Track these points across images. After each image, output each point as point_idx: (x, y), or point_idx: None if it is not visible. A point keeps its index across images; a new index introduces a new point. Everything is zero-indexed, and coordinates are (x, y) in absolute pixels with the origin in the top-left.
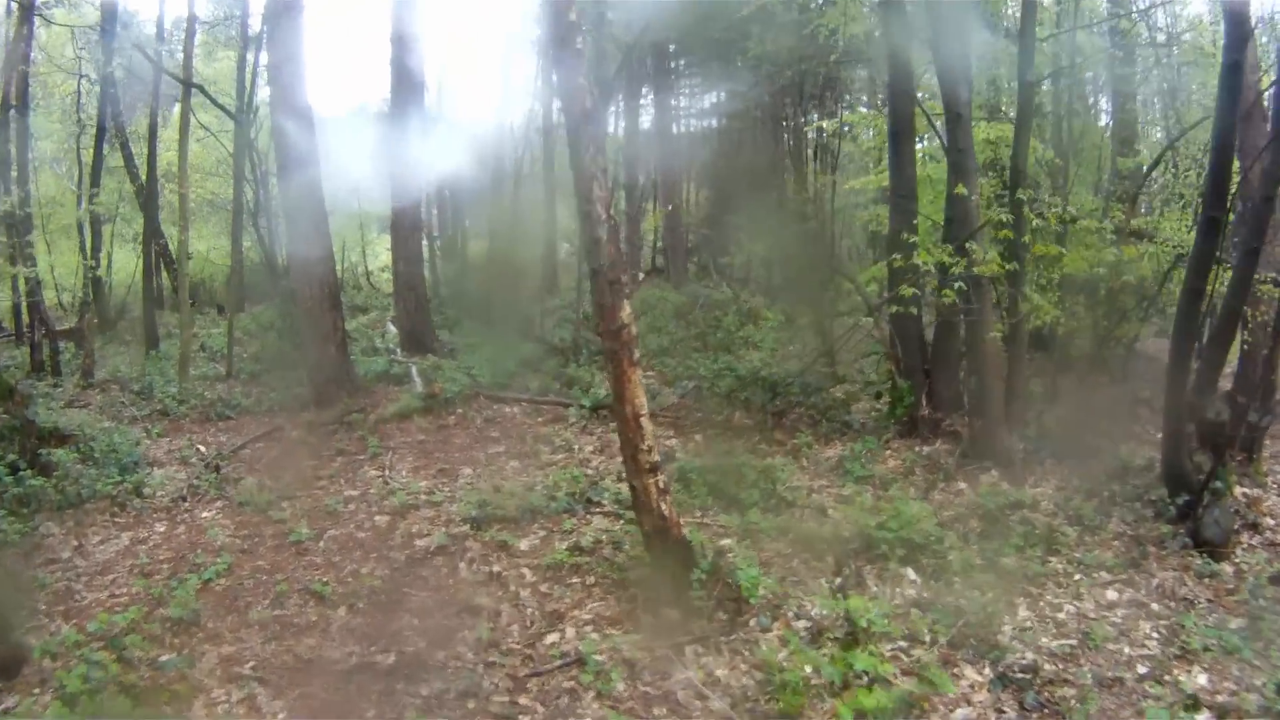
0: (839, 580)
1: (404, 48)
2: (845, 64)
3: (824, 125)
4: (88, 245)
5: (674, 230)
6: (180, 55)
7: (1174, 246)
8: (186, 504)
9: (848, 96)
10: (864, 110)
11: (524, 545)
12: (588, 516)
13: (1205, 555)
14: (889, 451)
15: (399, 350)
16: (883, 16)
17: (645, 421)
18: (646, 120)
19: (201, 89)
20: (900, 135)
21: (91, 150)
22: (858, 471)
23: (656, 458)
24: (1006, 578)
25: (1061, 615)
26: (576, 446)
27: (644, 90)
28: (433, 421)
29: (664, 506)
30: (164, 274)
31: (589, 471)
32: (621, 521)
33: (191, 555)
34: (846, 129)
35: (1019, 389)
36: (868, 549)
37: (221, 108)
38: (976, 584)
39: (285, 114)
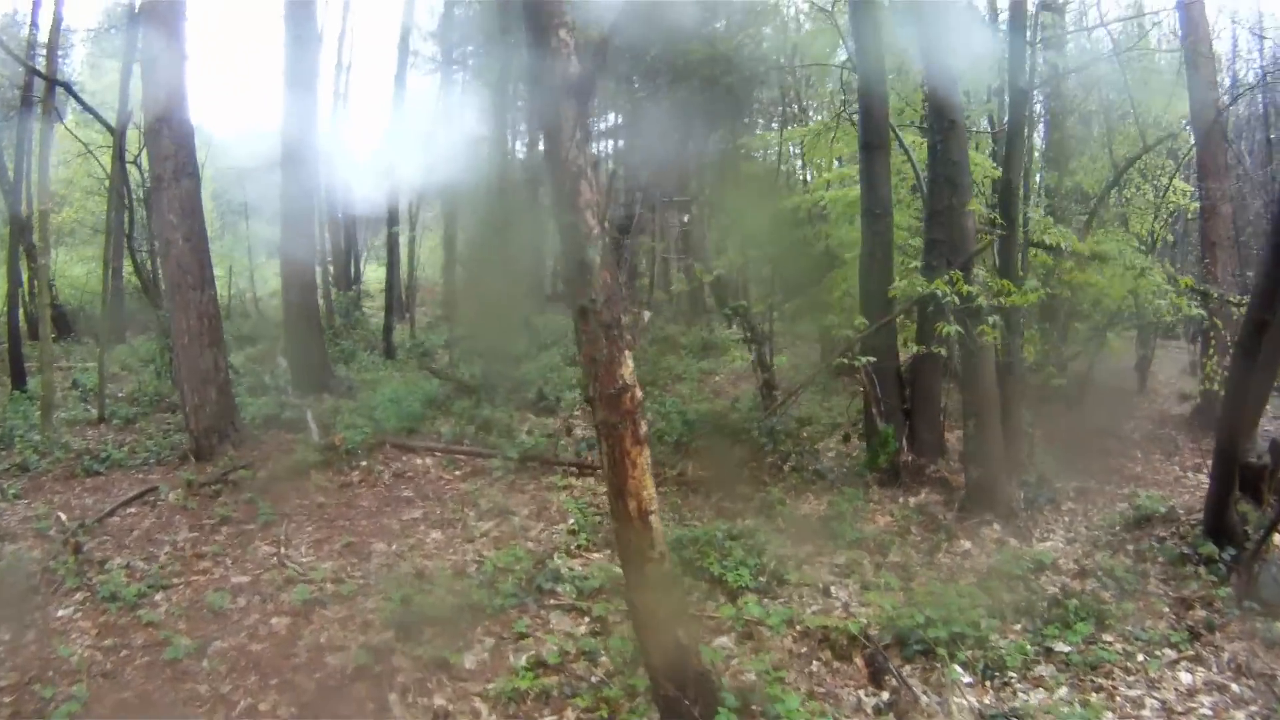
0: (886, 695)
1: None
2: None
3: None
4: None
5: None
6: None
7: (1127, 268)
8: (40, 597)
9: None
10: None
11: (469, 662)
12: (541, 613)
13: (1264, 618)
14: (873, 505)
15: (290, 389)
16: (854, 17)
17: (655, 521)
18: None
19: (68, 87)
20: (873, 147)
21: None
22: (848, 534)
23: (668, 566)
24: (1069, 669)
25: (1146, 713)
26: (509, 510)
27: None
28: (333, 478)
29: (679, 633)
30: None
31: (531, 544)
32: (586, 619)
33: (38, 685)
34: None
35: (1018, 431)
36: (900, 643)
37: (94, 113)
38: (1041, 681)
39: (160, 118)
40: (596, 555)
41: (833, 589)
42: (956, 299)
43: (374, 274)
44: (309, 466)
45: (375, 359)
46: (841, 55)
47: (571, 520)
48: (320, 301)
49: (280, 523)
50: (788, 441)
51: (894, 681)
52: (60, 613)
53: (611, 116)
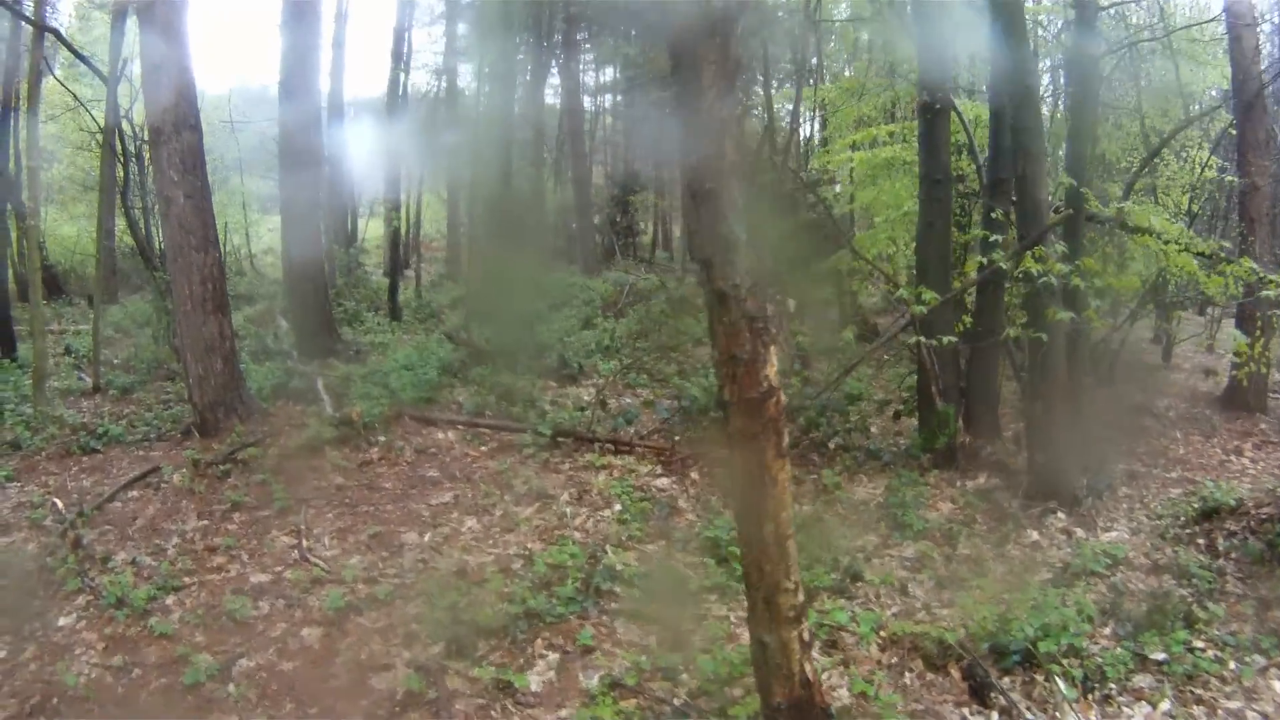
0: (996, 716)
1: None
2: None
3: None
4: None
5: (583, 210)
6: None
7: (1167, 243)
8: (38, 602)
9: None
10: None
11: (534, 684)
12: (605, 619)
13: None
14: (932, 490)
15: (295, 353)
16: None
17: (792, 549)
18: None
19: (57, 34)
20: (934, 110)
21: None
22: (914, 522)
23: (801, 598)
24: (1168, 679)
25: None
26: (547, 493)
27: (551, 56)
28: (351, 455)
29: (807, 669)
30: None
31: (578, 535)
32: (655, 627)
33: (41, 718)
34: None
35: (1082, 415)
36: (996, 654)
37: (86, 62)
38: (1142, 694)
39: (157, 67)
40: (650, 547)
41: (909, 586)
42: (1053, 280)
43: (372, 230)
44: (324, 443)
45: (380, 320)
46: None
47: (618, 506)
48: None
49: (298, 508)
50: (837, 419)
51: (1000, 700)
52: (62, 621)
53: (610, 70)
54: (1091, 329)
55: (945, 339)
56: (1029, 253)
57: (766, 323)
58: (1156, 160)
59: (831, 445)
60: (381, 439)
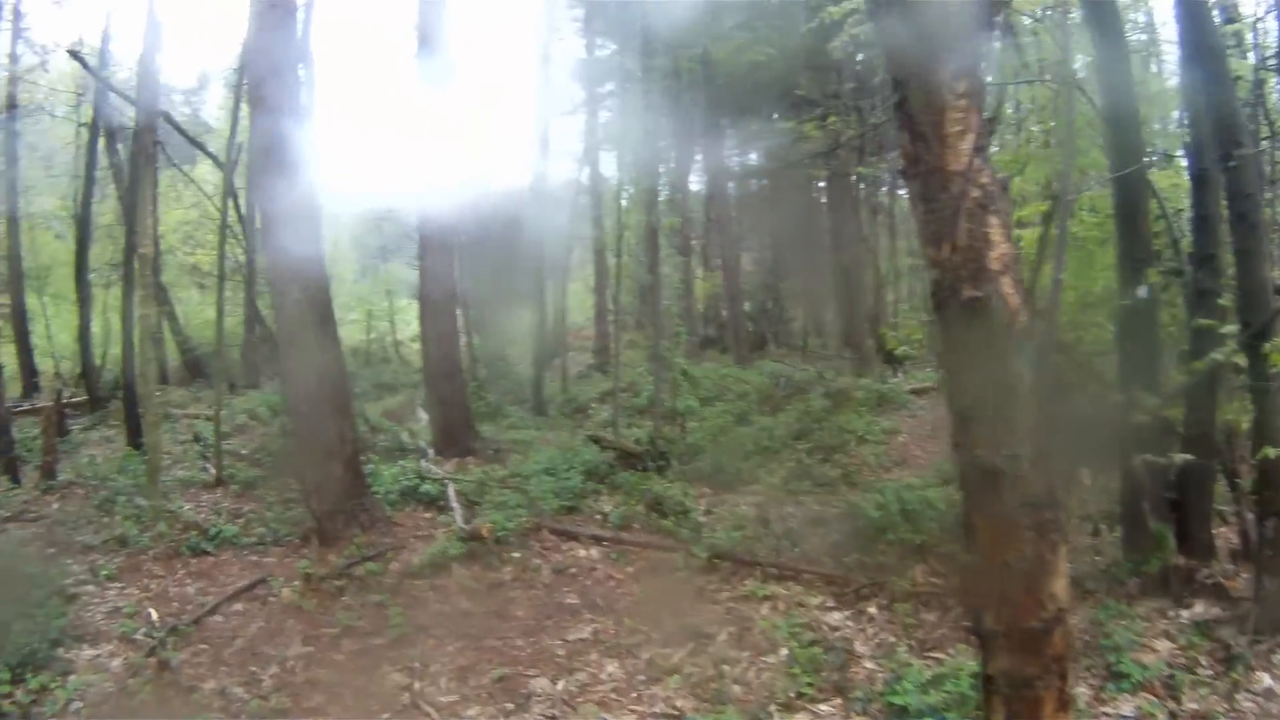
0: None
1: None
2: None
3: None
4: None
5: (733, 298)
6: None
7: None
8: None
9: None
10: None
11: None
12: None
13: None
14: (1143, 622)
15: (431, 451)
16: (1094, 22)
17: None
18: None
19: (168, 118)
20: (1206, 176)
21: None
22: (1129, 670)
23: None
24: None
25: None
26: (701, 631)
27: (695, 142)
28: (481, 575)
29: None
30: (168, 342)
31: (738, 690)
32: None
33: None
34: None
35: None
36: None
37: (198, 145)
38: None
39: (267, 150)
40: (823, 707)
41: None
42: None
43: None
44: (451, 559)
45: (524, 415)
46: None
47: (784, 651)
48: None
49: (415, 638)
50: None
51: None
52: None
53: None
54: None
55: (1177, 456)
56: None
57: (1058, 514)
58: None
59: None
60: (516, 555)
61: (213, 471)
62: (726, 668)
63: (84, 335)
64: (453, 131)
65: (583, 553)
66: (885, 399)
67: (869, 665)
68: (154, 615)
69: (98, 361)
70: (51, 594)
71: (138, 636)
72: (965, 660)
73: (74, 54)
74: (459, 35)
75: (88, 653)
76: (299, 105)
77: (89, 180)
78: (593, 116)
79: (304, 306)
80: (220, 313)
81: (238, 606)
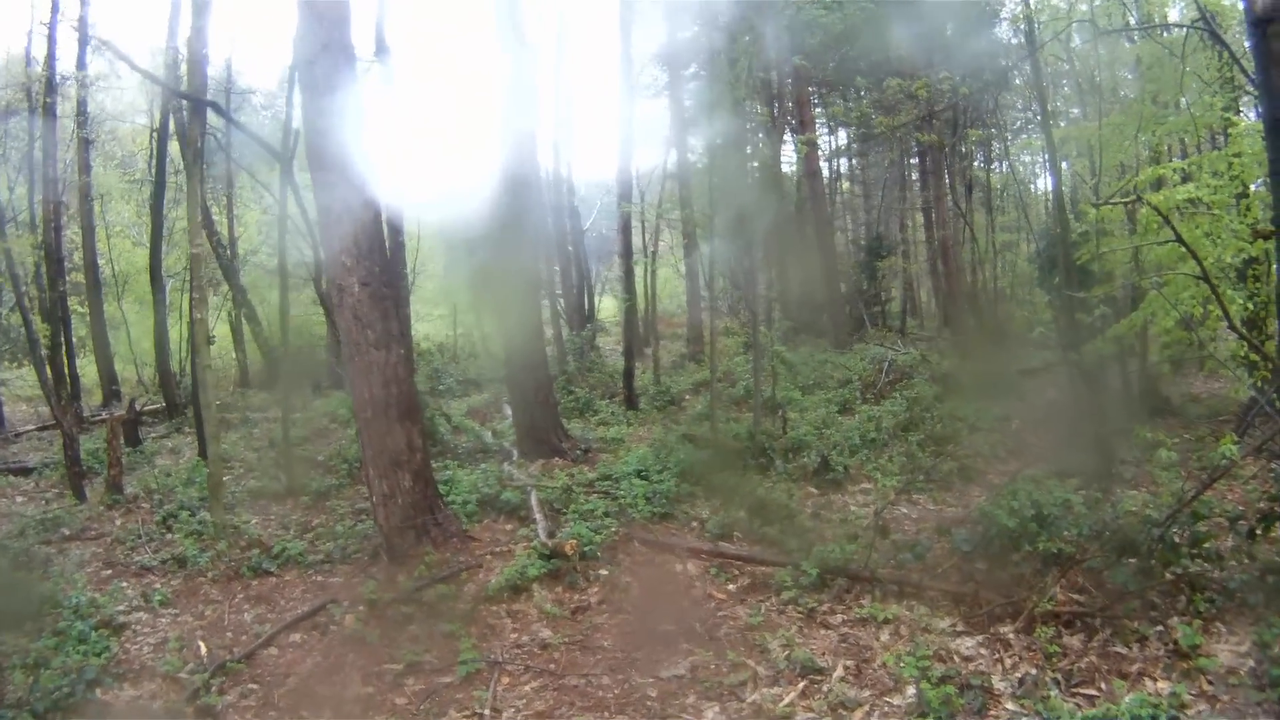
0: None
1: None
2: None
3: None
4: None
5: (829, 279)
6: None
7: None
8: None
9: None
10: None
11: None
12: None
13: None
14: None
15: (515, 452)
16: None
17: None
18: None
19: (215, 107)
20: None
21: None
22: None
23: None
24: None
25: None
26: (813, 664)
27: (784, 121)
28: (563, 599)
29: None
30: (249, 345)
31: None
32: None
33: None
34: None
35: None
36: None
37: (253, 136)
38: None
39: (321, 134)
40: None
41: None
42: None
43: (609, 307)
44: (531, 580)
45: (615, 409)
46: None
47: (911, 691)
48: (549, 340)
49: (488, 674)
50: (1180, 541)
51: None
52: None
53: (841, 134)
54: None
55: None
56: None
57: None
58: None
59: (1168, 576)
60: (604, 573)
61: (284, 481)
62: (845, 713)
63: (160, 341)
64: (534, 121)
65: (679, 568)
66: (994, 382)
67: (1010, 707)
68: (203, 649)
69: (175, 368)
70: (99, 624)
71: (183, 675)
72: (1123, 699)
73: (105, 43)
74: (539, 26)
75: (128, 693)
76: (353, 85)
77: (159, 183)
78: (677, 101)
79: (365, 303)
80: (284, 311)
81: (295, 637)
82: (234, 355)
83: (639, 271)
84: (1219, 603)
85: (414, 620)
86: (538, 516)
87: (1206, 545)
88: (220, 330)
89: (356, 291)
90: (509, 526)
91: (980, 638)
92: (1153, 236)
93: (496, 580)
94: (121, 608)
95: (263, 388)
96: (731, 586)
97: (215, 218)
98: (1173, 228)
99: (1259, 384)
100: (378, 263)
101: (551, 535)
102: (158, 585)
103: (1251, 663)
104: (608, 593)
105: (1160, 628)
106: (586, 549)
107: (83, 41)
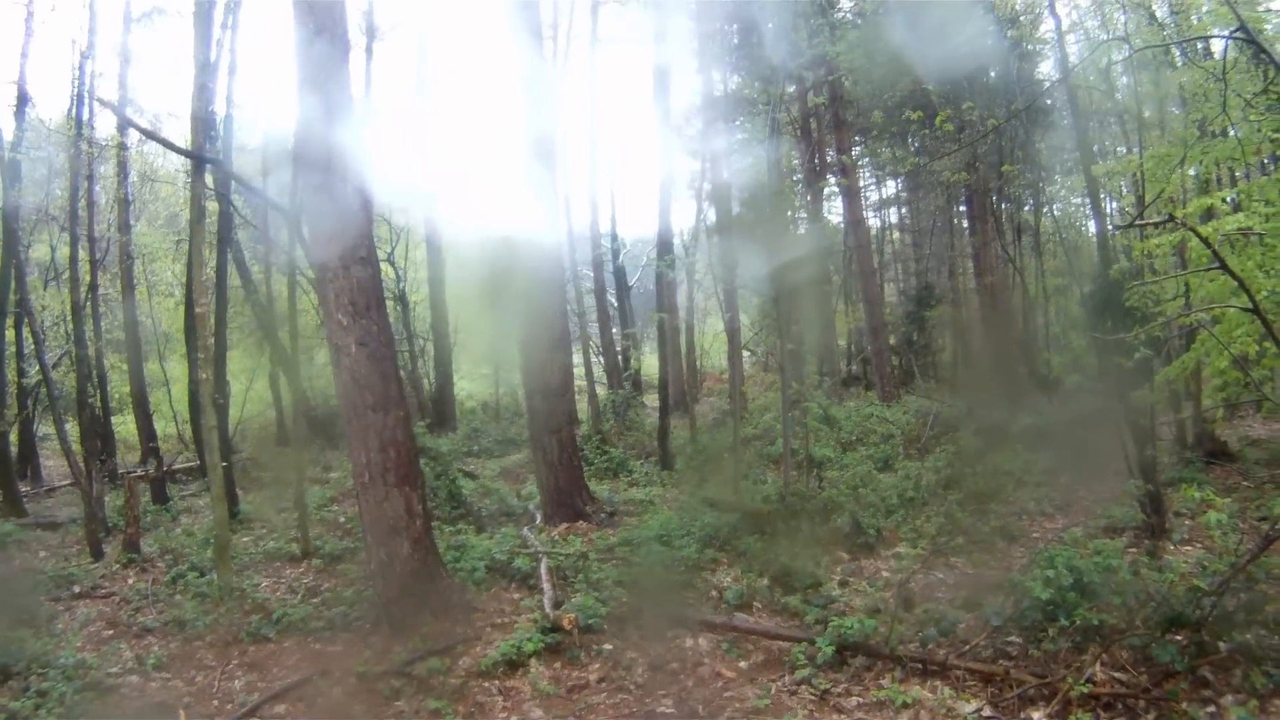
0: None
1: None
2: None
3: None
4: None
5: (876, 331)
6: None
7: None
8: None
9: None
10: None
11: None
12: None
13: None
14: None
15: (539, 515)
16: None
17: None
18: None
19: (216, 163)
20: None
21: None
22: None
23: None
24: None
25: None
26: None
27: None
28: (560, 676)
29: None
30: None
31: None
32: None
33: None
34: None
35: None
36: None
37: (249, 187)
38: None
39: (319, 189)
40: None
41: None
42: None
43: (651, 364)
44: (529, 655)
45: (649, 469)
46: None
47: None
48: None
49: None
50: (1238, 617)
51: None
52: None
53: (891, 184)
54: None
55: None
56: None
57: None
58: None
59: (1222, 648)
60: (607, 648)
61: (300, 543)
62: None
63: (194, 399)
64: (562, 171)
65: (689, 642)
66: (1044, 432)
67: None
68: (182, 718)
69: None
70: (86, 687)
71: None
72: None
73: (104, 103)
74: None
75: None
76: (347, 77)
77: (194, 241)
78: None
79: (362, 364)
80: (293, 364)
81: (280, 708)
82: (273, 413)
83: (681, 328)
84: (1269, 673)
85: (402, 695)
86: (545, 586)
87: (1266, 612)
88: (260, 385)
89: (354, 352)
90: (517, 595)
91: None
92: (1201, 272)
93: (491, 654)
94: (114, 669)
95: (300, 445)
96: (743, 663)
97: (255, 276)
98: (1217, 255)
99: None
100: (375, 321)
101: (557, 606)
102: (155, 648)
103: None
104: (609, 670)
105: (1212, 708)
106: (591, 621)
107: (122, 103)
